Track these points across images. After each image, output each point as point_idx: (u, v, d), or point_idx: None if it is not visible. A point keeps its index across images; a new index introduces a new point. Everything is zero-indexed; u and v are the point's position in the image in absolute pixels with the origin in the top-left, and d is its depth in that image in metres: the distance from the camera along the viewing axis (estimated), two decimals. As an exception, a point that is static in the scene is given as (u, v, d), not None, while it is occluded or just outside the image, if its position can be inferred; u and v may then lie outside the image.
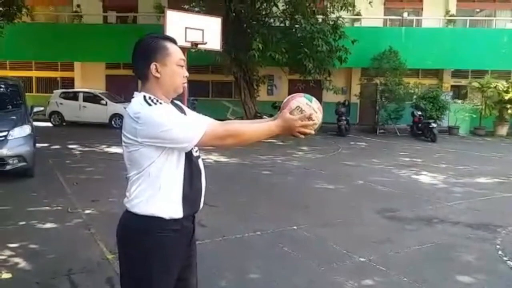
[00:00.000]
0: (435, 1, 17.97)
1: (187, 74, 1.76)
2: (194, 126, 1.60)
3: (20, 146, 6.40)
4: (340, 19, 14.14)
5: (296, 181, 7.39)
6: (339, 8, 13.98)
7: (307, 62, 13.22)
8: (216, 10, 12.74)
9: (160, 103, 1.62)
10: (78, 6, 18.66)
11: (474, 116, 15.70)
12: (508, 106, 15.15)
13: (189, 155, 1.69)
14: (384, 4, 18.21)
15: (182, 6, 13.54)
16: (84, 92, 15.52)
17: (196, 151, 1.77)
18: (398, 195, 6.45)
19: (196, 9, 14.70)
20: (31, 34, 16.22)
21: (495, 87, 15.39)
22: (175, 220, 1.66)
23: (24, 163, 6.44)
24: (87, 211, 5.08)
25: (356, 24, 17.63)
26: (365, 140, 13.61)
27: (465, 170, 8.55)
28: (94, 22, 18.23)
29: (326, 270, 3.62)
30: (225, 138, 1.64)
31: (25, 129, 6.61)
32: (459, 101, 16.76)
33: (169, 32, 9.18)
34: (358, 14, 17.27)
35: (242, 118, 13.85)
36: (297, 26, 13.70)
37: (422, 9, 18.40)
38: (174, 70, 1.70)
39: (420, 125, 13.96)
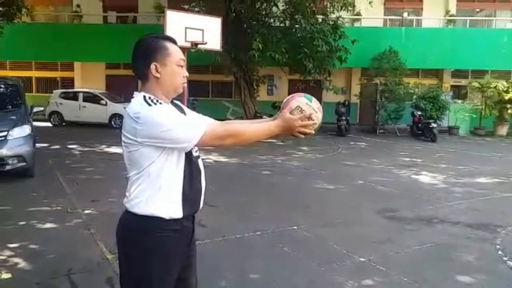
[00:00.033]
0: (435, 1, 17.97)
1: (187, 74, 1.76)
2: (194, 126, 1.60)
3: (20, 146, 6.39)
4: (340, 19, 14.14)
5: (296, 181, 7.38)
6: (339, 8, 13.98)
7: (307, 62, 13.23)
8: (216, 10, 12.74)
9: (160, 103, 1.62)
10: (78, 6, 18.66)
11: (474, 116, 15.70)
12: (508, 106, 15.15)
13: (189, 155, 1.69)
14: (384, 4, 18.21)
15: (182, 6, 13.54)
16: (84, 92, 15.52)
17: (196, 151, 1.77)
18: (398, 195, 6.45)
19: (196, 9, 14.70)
20: (31, 34, 16.22)
21: (495, 87, 15.40)
22: (175, 220, 1.66)
23: (24, 163, 6.44)
24: (87, 211, 5.08)
25: (356, 24, 17.63)
26: (365, 140, 13.61)
27: (465, 170, 8.55)
28: (94, 22, 18.23)
29: (326, 270, 3.62)
30: (225, 138, 1.64)
31: (25, 129, 6.61)
32: (459, 101, 16.76)
33: (169, 32, 9.18)
34: (358, 14, 17.27)
35: (242, 118, 13.83)
36: (297, 26, 13.70)
37: (422, 9, 18.40)
38: (174, 70, 1.70)
39: (420, 125, 13.96)
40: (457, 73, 18.26)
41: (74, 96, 15.40)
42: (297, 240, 4.37)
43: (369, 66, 15.53)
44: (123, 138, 1.65)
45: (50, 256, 3.75)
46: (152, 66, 1.66)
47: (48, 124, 15.05)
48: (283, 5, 14.42)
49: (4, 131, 6.35)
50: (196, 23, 10.51)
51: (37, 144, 7.57)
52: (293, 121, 1.66)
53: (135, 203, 1.66)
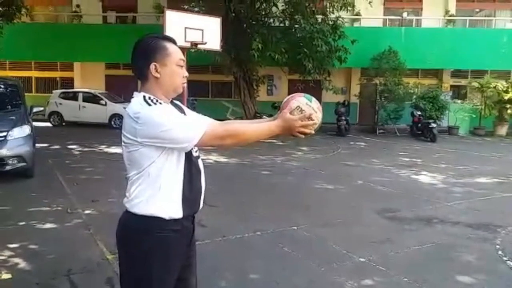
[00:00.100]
0: (434, 1, 17.98)
1: (186, 74, 1.76)
2: (194, 126, 1.60)
3: (20, 146, 6.39)
4: (340, 19, 14.15)
5: (296, 181, 7.38)
6: (339, 8, 13.99)
7: (307, 62, 13.23)
8: (215, 10, 12.73)
9: (160, 103, 1.62)
10: (78, 6, 18.65)
11: (474, 116, 15.71)
12: (508, 106, 15.16)
13: (189, 155, 1.69)
14: (384, 4, 18.22)
15: (182, 6, 13.55)
16: (83, 92, 15.52)
17: (196, 151, 1.77)
18: (397, 195, 6.45)
19: (196, 9, 14.71)
20: (30, 34, 16.22)
21: (494, 87, 15.40)
22: (175, 220, 1.66)
23: (23, 163, 6.44)
24: (87, 211, 5.08)
25: (356, 24, 17.63)
26: (365, 140, 13.62)
27: (465, 170, 8.55)
28: (94, 22, 18.21)
29: (326, 270, 3.62)
30: (225, 138, 1.64)
31: (25, 129, 6.61)
32: (459, 101, 16.77)
33: (168, 32, 9.18)
34: (358, 14, 17.27)
35: (241, 118, 13.83)
36: (296, 26, 13.72)
37: (421, 9, 18.41)
38: (173, 70, 1.70)
39: (419, 125, 13.96)
40: (456, 73, 18.27)
41: (73, 96, 15.40)
42: (297, 240, 4.37)
43: (369, 66, 15.53)
44: (123, 138, 1.65)
45: (50, 256, 3.75)
46: (152, 66, 1.66)
47: (48, 124, 15.05)
48: (282, 5, 14.41)
49: (4, 131, 6.35)
50: (196, 23, 10.50)
51: (37, 144, 7.56)
52: (293, 121, 1.66)
53: (135, 203, 1.65)
